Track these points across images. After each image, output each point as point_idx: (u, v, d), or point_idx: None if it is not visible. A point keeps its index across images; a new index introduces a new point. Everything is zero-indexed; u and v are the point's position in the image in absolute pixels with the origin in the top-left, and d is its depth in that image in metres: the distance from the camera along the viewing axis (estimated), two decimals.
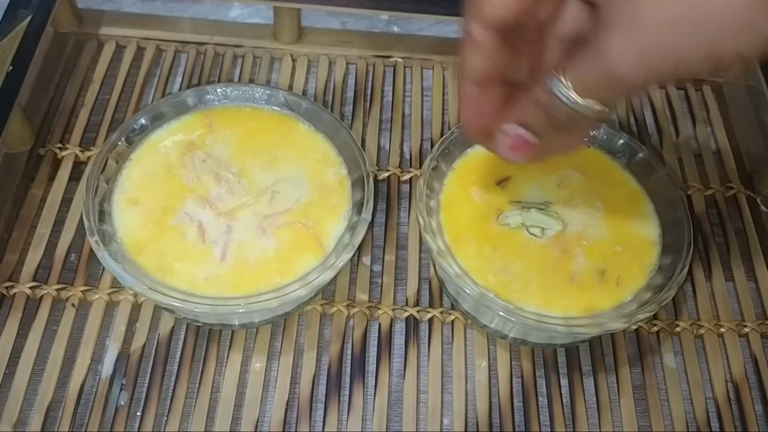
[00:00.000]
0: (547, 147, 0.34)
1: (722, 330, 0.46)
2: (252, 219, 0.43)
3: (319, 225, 0.43)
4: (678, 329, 0.46)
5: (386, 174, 0.51)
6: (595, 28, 0.29)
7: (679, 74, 0.28)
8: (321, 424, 0.41)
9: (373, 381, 0.43)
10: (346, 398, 0.42)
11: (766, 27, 0.26)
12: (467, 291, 0.40)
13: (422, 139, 0.53)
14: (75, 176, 0.50)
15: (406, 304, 0.46)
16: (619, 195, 0.46)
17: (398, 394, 0.43)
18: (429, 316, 0.45)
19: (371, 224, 0.45)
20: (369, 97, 0.56)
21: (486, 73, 0.34)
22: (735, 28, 0.26)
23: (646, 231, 0.44)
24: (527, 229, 0.44)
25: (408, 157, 0.53)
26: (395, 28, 0.62)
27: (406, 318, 0.45)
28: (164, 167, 0.45)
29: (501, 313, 0.40)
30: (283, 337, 0.44)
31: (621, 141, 0.47)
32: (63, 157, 0.50)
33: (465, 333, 0.45)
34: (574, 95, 0.30)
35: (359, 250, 0.47)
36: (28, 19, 0.50)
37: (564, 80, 0.30)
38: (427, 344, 0.44)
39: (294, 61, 0.57)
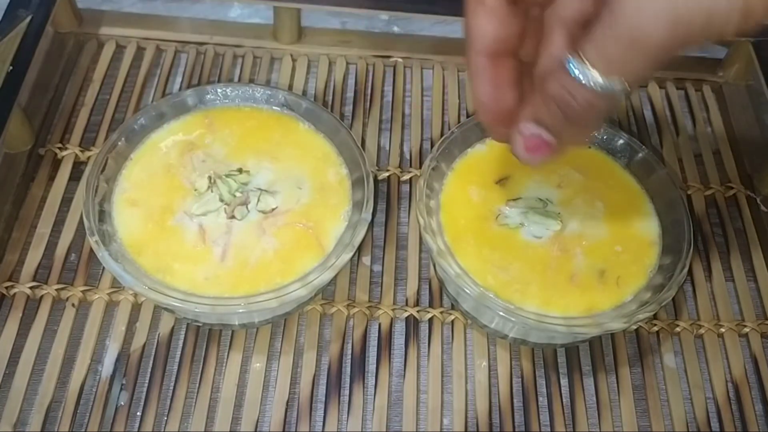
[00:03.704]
0: (562, 143, 0.32)
1: (722, 330, 0.46)
2: (252, 219, 0.43)
3: (319, 225, 0.43)
4: (678, 329, 0.46)
5: (386, 174, 0.51)
6: None
7: (710, 31, 0.25)
8: (321, 424, 0.41)
9: (373, 381, 0.43)
10: (346, 398, 0.42)
11: None
12: (467, 291, 0.40)
13: (422, 139, 0.53)
14: (75, 176, 0.50)
15: (406, 304, 0.46)
16: (619, 195, 0.46)
17: (398, 394, 0.43)
18: (429, 316, 0.45)
19: (371, 224, 0.45)
20: (369, 97, 0.56)
21: (498, 39, 0.31)
22: None
23: (646, 231, 0.44)
24: (527, 229, 0.44)
25: (408, 157, 0.53)
26: (395, 28, 0.62)
27: (406, 318, 0.45)
28: (164, 167, 0.45)
29: (501, 313, 0.40)
30: (283, 337, 0.44)
31: (621, 141, 0.47)
32: (63, 157, 0.50)
33: (465, 333, 0.45)
34: (594, 73, 0.27)
35: (359, 250, 0.47)
36: (28, 19, 0.50)
37: (582, 59, 0.28)
38: (427, 344, 0.44)
39: (294, 61, 0.57)
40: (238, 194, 0.44)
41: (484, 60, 0.32)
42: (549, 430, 0.42)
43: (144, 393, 0.42)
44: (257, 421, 0.41)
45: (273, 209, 0.44)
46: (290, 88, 0.56)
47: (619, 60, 0.27)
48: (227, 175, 0.44)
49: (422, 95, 0.56)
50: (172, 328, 0.44)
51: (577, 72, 0.28)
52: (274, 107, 0.48)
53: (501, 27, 0.31)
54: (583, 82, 0.28)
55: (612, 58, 0.27)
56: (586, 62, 0.28)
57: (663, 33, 0.26)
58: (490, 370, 0.44)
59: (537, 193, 0.45)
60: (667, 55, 0.27)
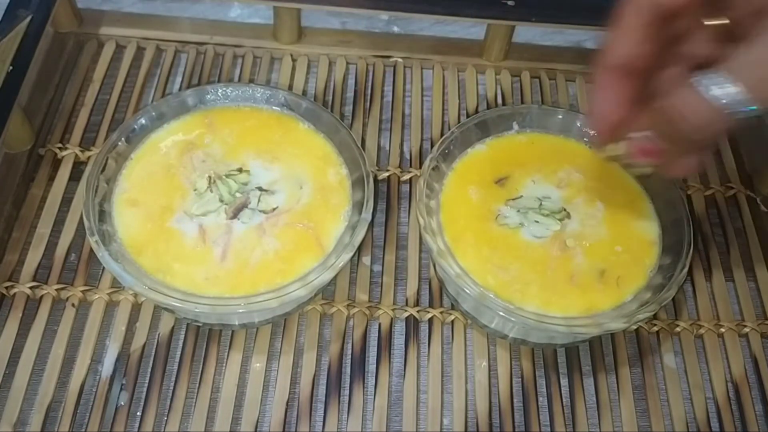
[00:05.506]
0: (671, 153, 0.35)
1: (722, 330, 0.46)
2: (252, 219, 0.43)
3: (319, 225, 0.43)
4: (678, 329, 0.46)
5: (386, 174, 0.51)
6: (755, 27, 0.30)
7: None
8: (321, 424, 0.41)
9: (373, 381, 0.43)
10: (346, 398, 0.42)
11: None
12: (467, 291, 0.40)
13: (422, 139, 0.53)
14: (75, 176, 0.50)
15: (406, 304, 0.46)
16: (619, 195, 0.46)
17: (398, 394, 0.43)
18: (429, 316, 0.45)
19: (371, 224, 0.45)
20: (369, 97, 0.56)
21: (631, 57, 0.34)
22: None
23: (646, 231, 0.44)
24: (527, 229, 0.44)
25: (408, 157, 0.53)
26: (395, 28, 0.62)
27: (406, 318, 0.45)
28: (164, 167, 0.45)
29: (501, 313, 0.40)
30: (283, 337, 0.44)
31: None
32: (63, 157, 0.50)
33: (465, 333, 0.45)
34: (735, 89, 0.29)
35: (359, 250, 0.47)
36: (28, 19, 0.50)
37: (724, 75, 0.30)
38: (427, 344, 0.44)
39: (294, 61, 0.57)
40: (238, 195, 0.44)
41: (613, 73, 0.35)
42: (549, 430, 0.42)
43: (144, 393, 0.42)
44: (257, 421, 0.41)
45: (273, 209, 0.44)
46: (290, 88, 0.56)
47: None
48: (227, 175, 0.44)
49: (422, 95, 0.56)
50: (172, 328, 0.44)
51: (713, 89, 0.30)
52: (274, 107, 0.48)
53: (635, 47, 0.34)
54: (718, 95, 0.30)
55: (762, 77, 0.29)
56: (728, 78, 0.30)
57: None
58: (490, 370, 0.44)
59: (537, 193, 0.45)
60: None
